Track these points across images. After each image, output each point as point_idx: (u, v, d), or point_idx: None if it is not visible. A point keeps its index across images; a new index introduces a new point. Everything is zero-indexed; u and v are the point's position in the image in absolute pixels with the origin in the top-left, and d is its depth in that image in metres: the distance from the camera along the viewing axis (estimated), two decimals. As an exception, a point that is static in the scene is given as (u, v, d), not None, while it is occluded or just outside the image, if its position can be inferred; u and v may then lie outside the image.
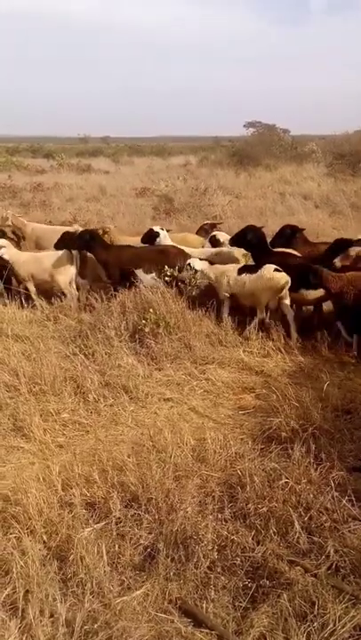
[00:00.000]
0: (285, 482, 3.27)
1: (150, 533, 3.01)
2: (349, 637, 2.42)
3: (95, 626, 2.47)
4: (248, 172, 18.98)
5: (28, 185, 16.95)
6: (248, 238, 6.20)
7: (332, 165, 18.32)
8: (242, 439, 4.02)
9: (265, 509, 3.09)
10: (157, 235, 7.06)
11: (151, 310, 5.68)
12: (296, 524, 2.98)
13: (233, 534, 2.95)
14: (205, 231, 8.12)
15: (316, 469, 3.39)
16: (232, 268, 6.06)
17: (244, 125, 28.82)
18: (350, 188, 13.98)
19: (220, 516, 3.11)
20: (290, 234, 6.53)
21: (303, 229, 6.75)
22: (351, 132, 21.92)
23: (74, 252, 6.88)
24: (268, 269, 5.69)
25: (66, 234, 6.99)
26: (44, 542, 2.98)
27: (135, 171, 23.47)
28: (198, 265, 6.11)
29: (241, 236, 6.31)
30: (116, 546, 2.95)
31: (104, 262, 6.71)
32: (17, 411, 4.44)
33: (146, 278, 6.37)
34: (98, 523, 3.10)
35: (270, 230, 9.99)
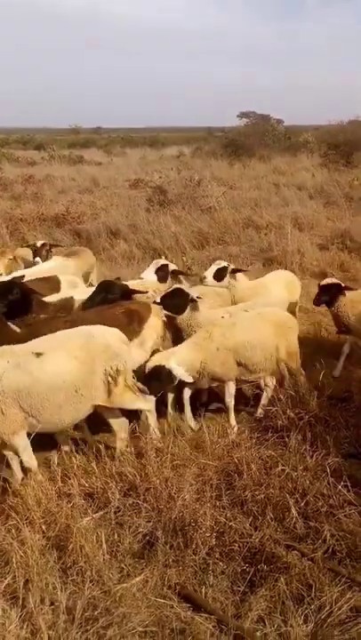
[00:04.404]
0: (282, 469, 3.30)
1: (149, 521, 3.03)
2: (346, 619, 2.47)
3: (95, 612, 2.50)
4: (242, 163, 18.88)
5: (19, 177, 16.80)
6: None
7: (327, 156, 18.25)
8: (239, 428, 4.05)
9: (262, 496, 3.12)
10: None
11: None
12: (293, 509, 3.02)
13: (231, 521, 2.98)
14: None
15: (312, 456, 3.43)
16: None
17: (238, 115, 28.58)
18: (345, 179, 13.93)
19: (217, 503, 3.13)
20: None
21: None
22: (346, 121, 21.86)
23: None
24: None
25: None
26: (43, 532, 3.00)
27: (128, 162, 23.28)
28: None
29: None
30: (115, 534, 2.98)
31: None
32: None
33: None
34: (97, 512, 3.12)
35: (265, 221, 9.97)
